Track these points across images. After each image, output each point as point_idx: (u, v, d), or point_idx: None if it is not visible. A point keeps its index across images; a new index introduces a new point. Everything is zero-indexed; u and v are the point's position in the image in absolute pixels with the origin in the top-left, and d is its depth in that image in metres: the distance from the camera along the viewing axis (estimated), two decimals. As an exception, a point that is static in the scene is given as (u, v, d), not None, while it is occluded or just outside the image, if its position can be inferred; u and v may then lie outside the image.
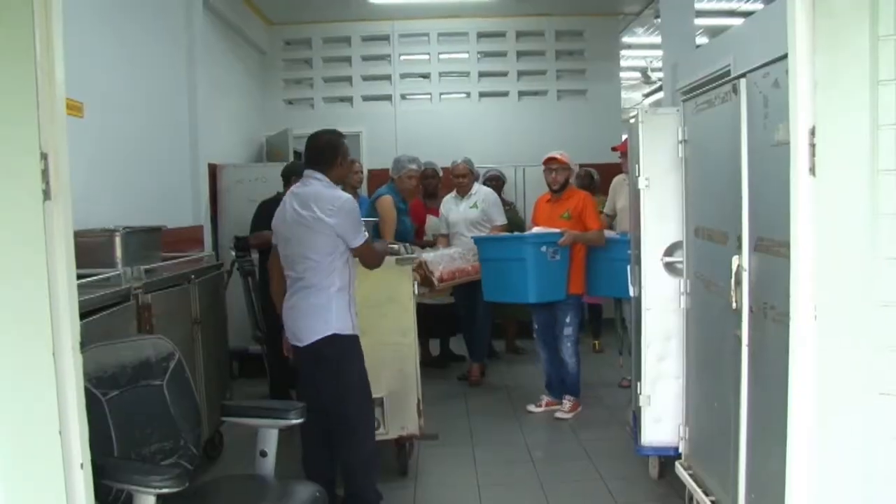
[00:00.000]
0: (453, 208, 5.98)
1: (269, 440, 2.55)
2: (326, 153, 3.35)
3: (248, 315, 5.42)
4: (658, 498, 3.67)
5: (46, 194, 1.72)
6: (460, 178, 5.95)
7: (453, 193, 6.06)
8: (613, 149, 5.87)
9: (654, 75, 10.69)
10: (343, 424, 3.34)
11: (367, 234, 3.37)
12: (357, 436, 3.35)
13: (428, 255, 5.01)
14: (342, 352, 3.28)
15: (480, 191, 6.03)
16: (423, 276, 4.73)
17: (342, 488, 3.45)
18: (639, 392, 3.66)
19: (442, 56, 8.63)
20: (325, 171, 3.32)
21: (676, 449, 3.49)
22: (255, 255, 5.22)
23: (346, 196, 3.32)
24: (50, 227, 1.73)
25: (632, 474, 3.94)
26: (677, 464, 3.38)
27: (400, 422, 3.98)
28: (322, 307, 3.22)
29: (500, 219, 5.87)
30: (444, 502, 3.79)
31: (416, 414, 4.01)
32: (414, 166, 5.48)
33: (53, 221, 1.73)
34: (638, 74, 11.18)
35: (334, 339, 3.23)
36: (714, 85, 2.88)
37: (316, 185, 3.29)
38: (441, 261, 5.01)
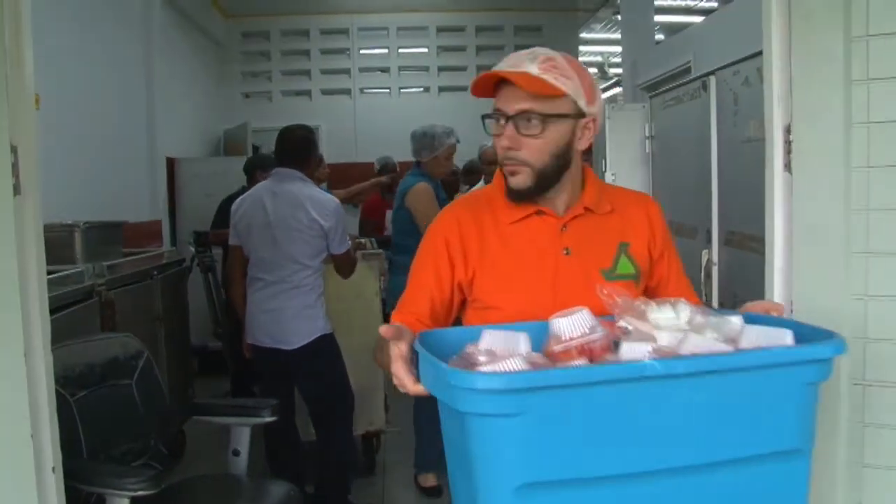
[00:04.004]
0: None
1: (242, 439, 2.51)
2: (303, 149, 3.29)
3: (209, 311, 5.34)
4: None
5: (16, 189, 1.65)
6: (494, 165, 4.66)
7: (479, 187, 4.29)
8: None
9: (611, 71, 10.81)
10: (330, 420, 3.35)
11: (349, 242, 3.35)
12: (344, 428, 3.40)
13: None
14: (332, 349, 3.31)
15: None
16: None
17: (310, 486, 3.43)
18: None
19: (401, 50, 8.61)
20: (302, 169, 3.27)
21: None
22: (217, 251, 5.13)
23: (336, 200, 3.30)
24: (20, 222, 1.66)
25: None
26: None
27: (367, 417, 3.96)
28: (310, 307, 3.21)
29: None
30: (412, 496, 3.79)
31: (382, 409, 4.00)
32: (453, 140, 3.85)
33: (24, 217, 1.67)
34: (595, 70, 11.28)
35: (324, 338, 3.24)
36: (683, 82, 2.93)
37: (301, 185, 3.23)
38: None
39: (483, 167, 4.44)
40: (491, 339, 1.23)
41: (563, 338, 1.20)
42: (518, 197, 1.53)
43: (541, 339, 1.24)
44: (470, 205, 1.65)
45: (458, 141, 3.87)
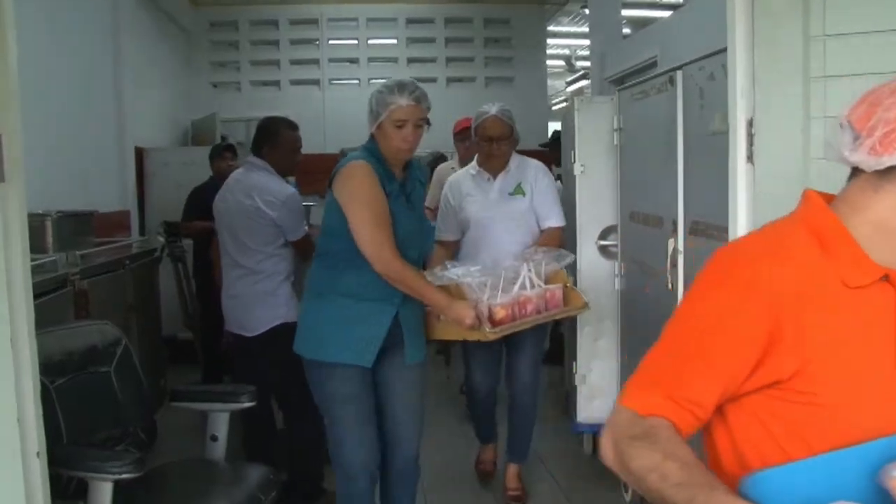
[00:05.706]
0: (474, 196, 3.31)
1: (220, 424, 2.54)
2: (258, 139, 3.36)
3: (179, 301, 5.34)
4: (594, 472, 3.81)
5: (1, 176, 1.68)
6: (494, 143, 3.25)
7: (472, 169, 3.40)
8: (458, 128, 4.47)
9: (578, 64, 10.94)
10: (295, 408, 3.36)
11: (306, 228, 3.39)
12: (308, 416, 3.39)
13: (459, 275, 2.64)
14: (293, 337, 3.28)
15: (527, 165, 3.36)
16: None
17: (284, 472, 3.47)
18: (574, 371, 3.80)
19: (371, 41, 8.63)
20: (264, 157, 3.33)
21: (611, 425, 3.63)
22: (187, 242, 5.14)
23: (292, 191, 3.32)
24: (5, 210, 1.69)
25: (567, 451, 4.08)
26: (612, 439, 3.53)
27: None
28: (269, 294, 3.23)
29: (557, 217, 3.30)
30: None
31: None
32: (403, 101, 2.47)
33: (9, 204, 1.69)
34: (562, 62, 11.40)
35: (286, 326, 3.20)
36: (650, 76, 3.01)
37: (259, 174, 3.29)
38: (484, 285, 2.64)
39: (481, 143, 3.30)
40: None
41: None
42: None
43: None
44: (803, 243, 1.11)
45: (416, 100, 2.49)
